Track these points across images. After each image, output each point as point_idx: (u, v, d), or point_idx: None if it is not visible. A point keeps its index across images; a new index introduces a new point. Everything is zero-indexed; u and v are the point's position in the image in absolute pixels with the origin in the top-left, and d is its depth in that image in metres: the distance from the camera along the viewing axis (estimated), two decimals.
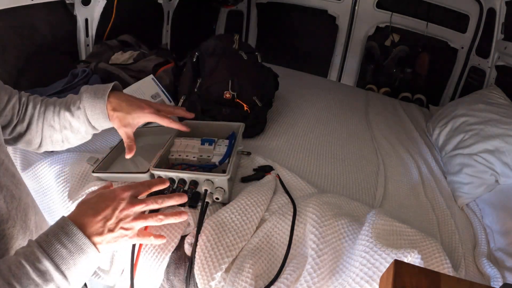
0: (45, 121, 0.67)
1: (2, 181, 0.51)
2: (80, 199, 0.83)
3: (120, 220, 0.51)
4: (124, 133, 0.71)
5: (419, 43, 2.01)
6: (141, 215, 0.54)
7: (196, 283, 0.66)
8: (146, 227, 0.69)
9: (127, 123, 0.70)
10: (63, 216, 0.48)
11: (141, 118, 0.70)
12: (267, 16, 2.53)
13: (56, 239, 0.44)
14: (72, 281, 0.44)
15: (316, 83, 1.94)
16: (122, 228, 0.51)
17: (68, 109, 0.67)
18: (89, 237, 0.47)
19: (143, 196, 0.57)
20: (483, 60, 1.72)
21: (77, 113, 0.67)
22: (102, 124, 0.70)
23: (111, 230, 0.50)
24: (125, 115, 0.69)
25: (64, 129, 0.68)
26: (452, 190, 1.10)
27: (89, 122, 0.69)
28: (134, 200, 0.53)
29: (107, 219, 0.49)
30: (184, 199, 0.59)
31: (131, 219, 0.52)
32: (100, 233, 0.48)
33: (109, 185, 0.63)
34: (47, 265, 0.42)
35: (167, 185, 0.61)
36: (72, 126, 0.68)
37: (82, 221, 0.47)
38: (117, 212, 0.50)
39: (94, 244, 0.48)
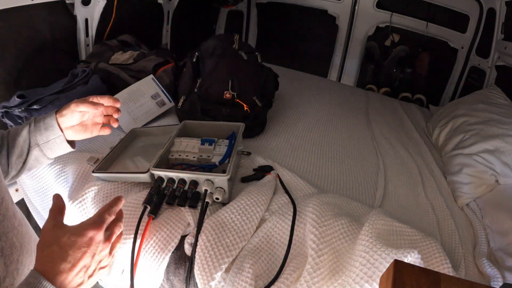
0: None
1: (1, 228, 0.45)
2: (79, 201, 0.82)
3: (99, 262, 0.48)
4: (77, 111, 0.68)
5: (419, 43, 2.01)
6: (112, 246, 0.52)
7: (196, 283, 0.66)
8: (144, 232, 0.70)
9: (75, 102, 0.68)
10: (35, 274, 0.41)
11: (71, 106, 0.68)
12: (267, 16, 2.53)
13: None
14: None
15: (316, 83, 1.94)
16: (101, 268, 0.49)
17: (17, 131, 0.66)
18: None
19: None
20: (483, 60, 1.72)
21: (26, 128, 0.66)
22: (49, 134, 0.67)
23: (91, 276, 0.46)
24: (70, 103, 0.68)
25: (12, 154, 0.66)
26: (452, 190, 1.10)
27: (35, 134, 0.66)
28: (107, 235, 0.50)
29: (87, 267, 0.45)
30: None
31: (108, 256, 0.50)
32: (81, 283, 0.45)
33: (62, 206, 0.52)
34: None
35: (122, 201, 0.57)
36: (19, 145, 0.65)
37: (60, 278, 0.42)
38: (96, 257, 0.47)
39: None
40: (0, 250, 0.43)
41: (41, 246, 0.45)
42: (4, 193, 0.48)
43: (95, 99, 0.70)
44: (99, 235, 0.47)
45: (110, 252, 0.50)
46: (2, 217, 0.45)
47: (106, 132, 0.75)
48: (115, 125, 0.74)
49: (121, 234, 0.54)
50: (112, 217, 0.52)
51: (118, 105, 0.73)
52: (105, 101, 0.71)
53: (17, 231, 0.48)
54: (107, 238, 0.49)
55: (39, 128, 0.66)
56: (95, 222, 0.48)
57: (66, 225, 0.47)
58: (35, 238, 0.55)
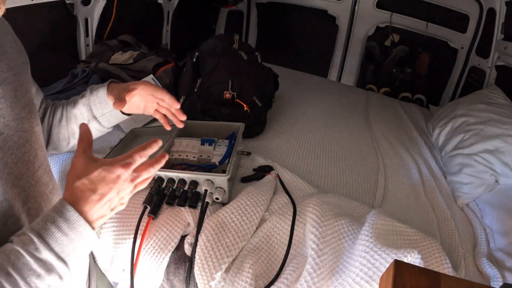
0: (55, 118, 0.70)
1: (31, 191, 0.49)
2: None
3: (121, 198, 0.50)
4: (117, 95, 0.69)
5: (419, 43, 2.01)
6: (136, 184, 0.52)
7: (196, 283, 0.66)
8: (144, 232, 0.70)
9: (121, 91, 0.70)
10: (62, 201, 0.45)
11: (133, 85, 0.70)
12: (267, 16, 2.53)
13: (56, 227, 0.43)
14: (72, 267, 0.44)
15: (316, 83, 1.94)
16: (122, 203, 0.51)
17: (75, 102, 0.70)
18: (93, 221, 0.46)
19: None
20: (483, 60, 1.72)
21: (82, 101, 0.70)
22: (103, 107, 0.70)
23: (112, 209, 0.49)
24: (120, 86, 0.71)
25: (70, 123, 0.70)
26: (452, 190, 1.10)
27: (90, 108, 0.70)
28: (133, 176, 0.51)
29: (111, 201, 0.48)
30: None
31: (128, 193, 0.51)
32: (103, 215, 0.48)
33: (90, 137, 0.53)
34: (47, 255, 0.41)
35: (160, 144, 0.56)
36: (77, 116, 0.70)
37: (85, 207, 0.46)
38: (120, 193, 0.49)
39: (96, 225, 0.47)
40: (27, 210, 0.48)
41: (72, 178, 0.47)
42: (43, 161, 0.53)
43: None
44: (126, 174, 0.49)
45: (132, 191, 0.52)
46: (35, 182, 0.50)
47: (165, 126, 0.76)
48: (180, 125, 0.75)
49: (148, 178, 0.54)
50: (143, 159, 0.52)
51: (177, 106, 0.73)
52: (166, 101, 0.72)
53: (46, 197, 0.53)
54: (133, 178, 0.50)
55: (94, 102, 0.69)
56: (124, 161, 0.49)
57: (97, 160, 0.49)
58: None
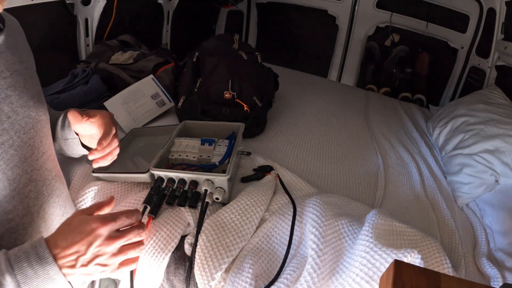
0: None
1: (34, 175, 0.51)
2: (79, 201, 0.83)
3: (96, 256, 0.47)
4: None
5: (419, 43, 2.01)
6: (122, 249, 0.50)
7: (196, 283, 0.66)
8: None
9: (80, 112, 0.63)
10: (41, 237, 0.46)
11: (93, 113, 0.64)
12: (267, 16, 2.53)
13: (26, 258, 0.42)
14: None
15: (316, 83, 1.94)
16: (98, 264, 0.47)
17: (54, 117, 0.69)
18: (62, 267, 0.45)
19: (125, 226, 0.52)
20: (483, 60, 1.72)
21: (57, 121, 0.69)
22: (69, 132, 0.68)
23: (84, 265, 0.46)
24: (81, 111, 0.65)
25: None
26: (452, 190, 1.10)
27: (60, 129, 0.69)
28: (113, 235, 0.48)
29: (80, 253, 0.46)
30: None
31: (110, 256, 0.48)
32: (72, 266, 0.45)
33: (111, 199, 0.55)
34: (8, 280, 0.40)
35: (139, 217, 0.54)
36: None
37: (55, 251, 0.45)
38: (92, 248, 0.46)
39: (64, 274, 0.45)
40: (27, 192, 0.50)
41: (63, 223, 0.49)
42: (47, 149, 0.56)
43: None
44: (102, 230, 0.47)
45: (117, 254, 0.49)
46: (38, 167, 0.53)
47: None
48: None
49: (140, 243, 0.53)
50: (129, 221, 0.51)
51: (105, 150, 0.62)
52: None
53: (48, 182, 0.55)
54: (113, 237, 0.48)
55: (63, 124, 0.69)
56: (103, 217, 0.49)
57: (88, 210, 0.51)
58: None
